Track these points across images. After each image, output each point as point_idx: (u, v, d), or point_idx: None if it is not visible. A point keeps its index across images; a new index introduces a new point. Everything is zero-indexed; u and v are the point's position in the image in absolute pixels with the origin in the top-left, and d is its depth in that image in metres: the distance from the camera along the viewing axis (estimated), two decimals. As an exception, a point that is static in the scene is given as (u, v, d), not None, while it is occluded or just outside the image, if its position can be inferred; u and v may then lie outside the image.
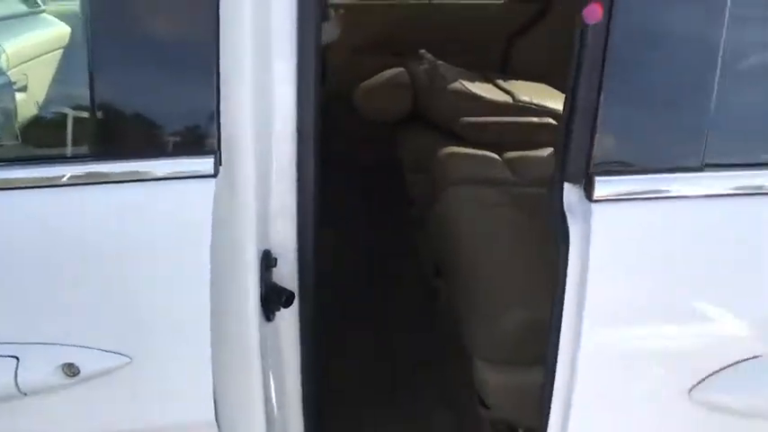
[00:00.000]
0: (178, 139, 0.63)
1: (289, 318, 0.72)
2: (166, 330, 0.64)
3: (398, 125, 2.43)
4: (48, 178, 0.63)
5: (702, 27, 0.71)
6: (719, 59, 0.69)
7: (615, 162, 0.69)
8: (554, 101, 2.38)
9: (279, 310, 0.71)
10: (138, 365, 0.62)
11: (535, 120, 2.22)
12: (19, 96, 0.76)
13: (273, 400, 0.73)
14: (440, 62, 2.46)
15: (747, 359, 0.75)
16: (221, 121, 0.63)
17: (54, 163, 0.64)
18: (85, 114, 0.64)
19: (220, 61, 0.61)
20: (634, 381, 0.75)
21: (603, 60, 0.66)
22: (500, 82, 2.50)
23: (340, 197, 1.78)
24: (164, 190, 0.61)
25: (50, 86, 0.79)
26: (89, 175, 0.62)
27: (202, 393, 0.63)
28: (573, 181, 0.68)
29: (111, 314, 0.64)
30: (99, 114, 0.62)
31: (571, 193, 0.68)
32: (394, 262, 2.03)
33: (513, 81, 2.56)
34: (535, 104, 2.26)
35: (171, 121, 0.64)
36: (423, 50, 2.51)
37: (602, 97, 0.65)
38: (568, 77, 0.68)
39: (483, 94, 2.29)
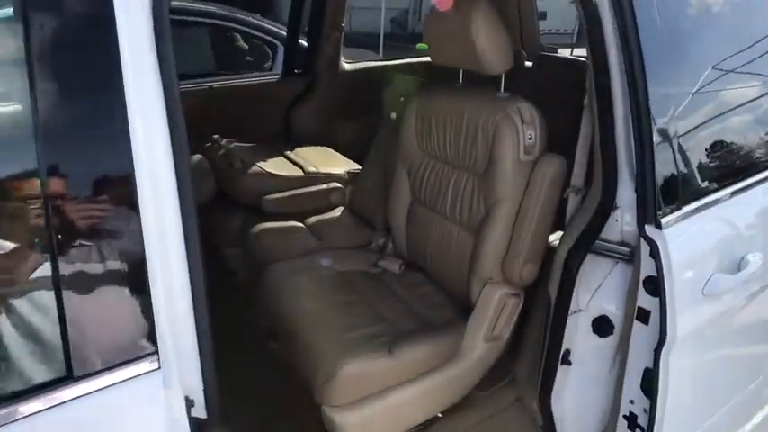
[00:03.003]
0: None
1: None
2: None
3: (209, 206, 2.51)
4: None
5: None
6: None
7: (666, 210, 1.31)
8: (336, 165, 2.70)
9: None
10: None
11: (324, 186, 2.53)
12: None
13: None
14: (233, 144, 2.63)
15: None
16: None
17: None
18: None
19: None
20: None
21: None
22: (288, 153, 2.74)
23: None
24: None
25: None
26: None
27: None
28: (650, 222, 1.28)
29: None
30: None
31: (650, 227, 1.28)
32: (230, 329, 2.23)
33: (299, 149, 2.82)
34: (323, 173, 2.57)
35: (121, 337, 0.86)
36: (216, 136, 2.66)
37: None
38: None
39: (278, 171, 2.52)
